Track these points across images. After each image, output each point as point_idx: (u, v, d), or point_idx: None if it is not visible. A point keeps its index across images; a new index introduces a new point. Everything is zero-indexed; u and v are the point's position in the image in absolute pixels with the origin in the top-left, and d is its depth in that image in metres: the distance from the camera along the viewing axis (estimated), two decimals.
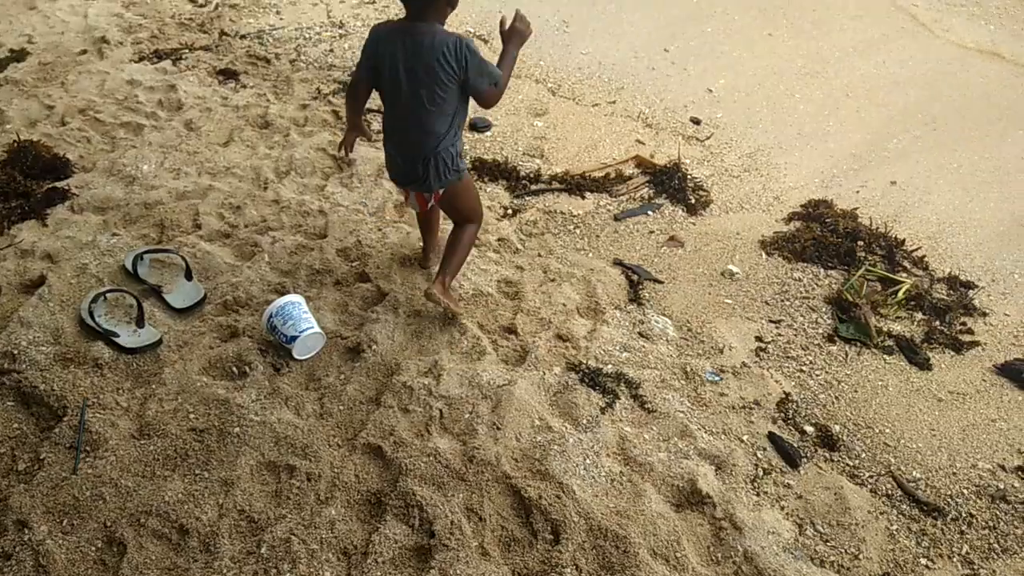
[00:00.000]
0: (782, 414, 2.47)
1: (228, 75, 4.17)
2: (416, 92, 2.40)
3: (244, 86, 4.10)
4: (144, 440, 2.18)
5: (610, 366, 2.55)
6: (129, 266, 2.80)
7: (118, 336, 2.49)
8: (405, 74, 2.39)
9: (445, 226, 2.94)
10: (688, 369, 2.58)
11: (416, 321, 2.67)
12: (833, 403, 2.52)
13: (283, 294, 2.68)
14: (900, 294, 2.95)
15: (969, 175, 3.70)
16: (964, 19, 4.84)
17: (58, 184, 3.25)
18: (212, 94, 3.99)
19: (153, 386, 2.35)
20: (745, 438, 2.35)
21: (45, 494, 2.03)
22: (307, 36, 4.58)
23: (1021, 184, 3.64)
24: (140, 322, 2.55)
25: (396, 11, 4.87)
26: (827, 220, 3.33)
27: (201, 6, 4.78)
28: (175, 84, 4.00)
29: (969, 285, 3.06)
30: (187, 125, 3.73)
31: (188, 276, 2.78)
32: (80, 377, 2.35)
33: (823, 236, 3.23)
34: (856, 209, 3.43)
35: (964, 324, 2.87)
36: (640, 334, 2.76)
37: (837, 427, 2.43)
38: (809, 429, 2.42)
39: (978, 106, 4.16)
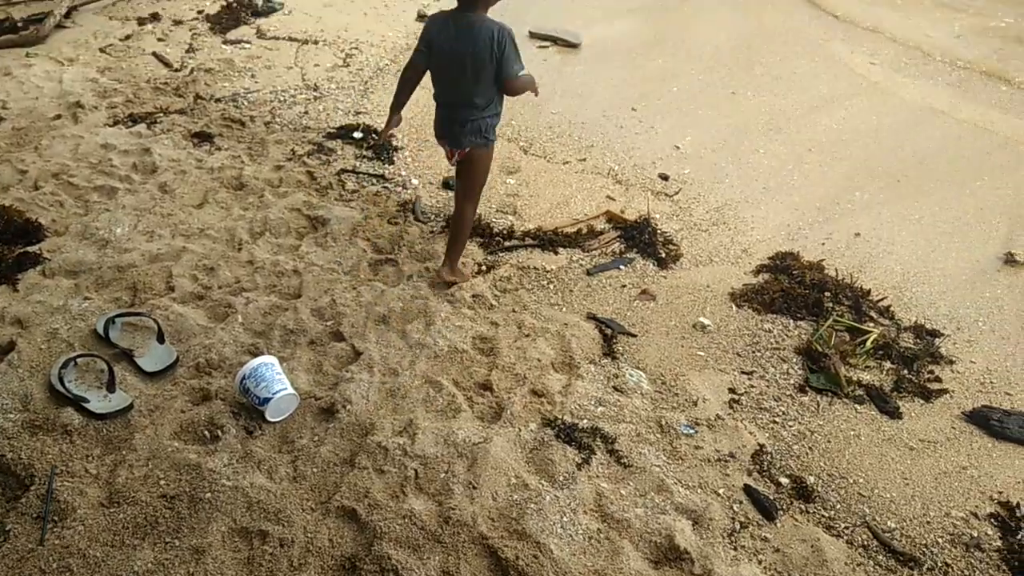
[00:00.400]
0: (757, 466, 2.48)
1: (203, 138, 4.21)
2: (463, 68, 2.91)
3: (219, 148, 4.14)
4: (113, 508, 2.14)
5: (585, 421, 2.56)
6: (101, 330, 2.78)
7: (88, 401, 2.46)
8: (456, 54, 2.89)
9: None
10: (663, 422, 2.59)
11: (391, 379, 2.67)
12: (807, 454, 2.54)
13: (256, 355, 2.67)
14: (868, 343, 3.00)
15: (930, 226, 3.81)
16: (918, 80, 5.03)
17: (30, 249, 3.23)
18: (187, 157, 4.02)
19: (123, 452, 2.32)
20: (721, 491, 2.35)
21: (10, 567, 1.97)
22: (282, 99, 4.65)
23: (979, 234, 3.75)
24: (111, 387, 2.52)
25: (369, 75, 4.97)
26: (794, 272, 3.40)
27: (176, 71, 4.85)
28: (149, 147, 4.03)
29: (935, 333, 3.12)
30: (161, 188, 3.75)
31: (160, 339, 2.76)
32: (49, 444, 2.31)
33: (791, 288, 3.29)
34: (822, 261, 3.50)
35: (932, 372, 2.93)
36: (615, 388, 2.77)
37: (812, 478, 2.45)
38: (784, 481, 2.44)
39: (935, 160, 4.31)
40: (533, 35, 5.56)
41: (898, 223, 3.82)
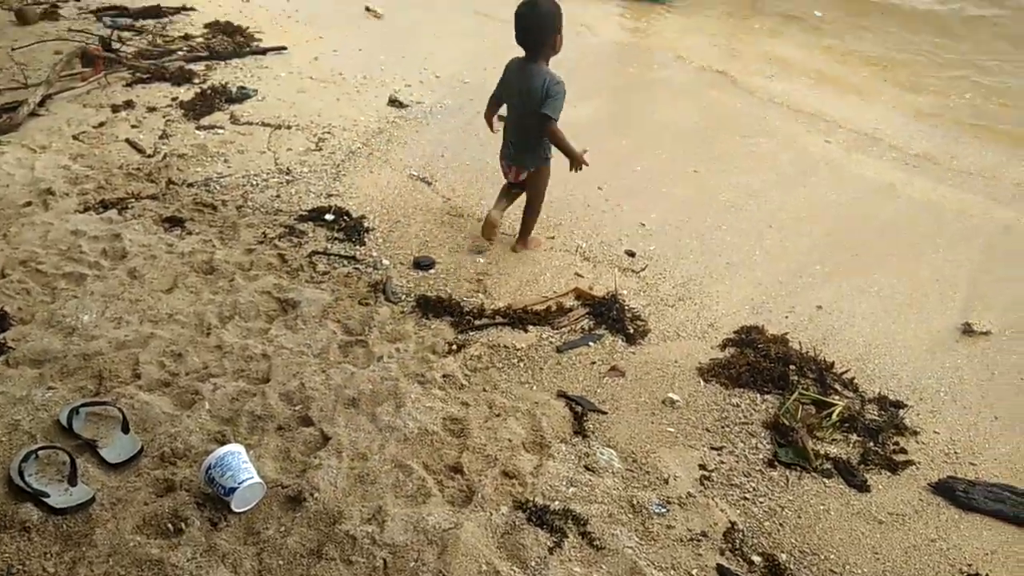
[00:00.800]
0: (729, 544, 2.47)
1: (174, 222, 4.24)
2: (524, 103, 3.73)
3: (190, 233, 4.17)
4: None
5: (557, 502, 2.55)
6: (64, 420, 2.74)
7: (48, 496, 2.40)
8: (520, 91, 3.75)
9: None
10: (635, 502, 2.59)
11: (360, 464, 2.65)
12: (778, 530, 2.54)
13: (223, 443, 2.64)
14: (834, 416, 3.05)
15: (889, 298, 3.91)
16: (872, 158, 5.24)
17: None
18: (157, 242, 4.04)
19: (83, 548, 2.26)
20: (694, 572, 2.34)
21: None
22: (254, 183, 4.71)
23: (937, 305, 3.86)
24: (72, 480, 2.47)
25: (341, 158, 5.08)
26: (759, 345, 3.46)
27: (149, 156, 4.91)
28: (120, 233, 4.05)
29: (899, 404, 3.18)
30: (131, 273, 3.75)
31: (125, 429, 2.73)
32: (6, 543, 2.25)
33: (757, 361, 3.35)
34: (786, 334, 3.57)
35: (897, 444, 2.97)
36: (586, 467, 2.77)
37: (784, 555, 2.44)
38: (757, 559, 2.43)
39: (892, 234, 4.45)
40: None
41: (858, 295, 3.93)
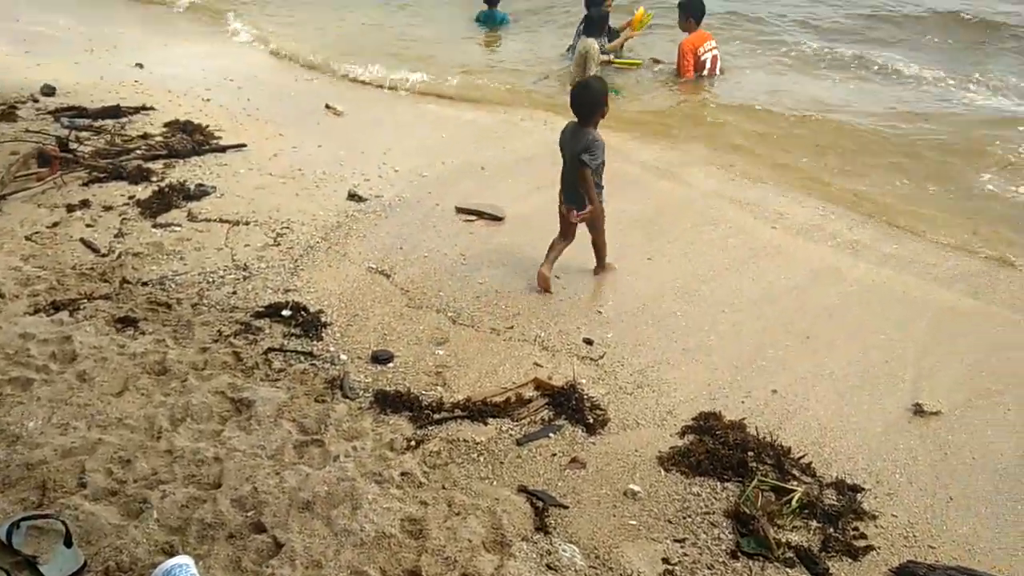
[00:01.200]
0: None
1: (127, 323, 4.18)
2: (572, 161, 4.54)
3: (143, 333, 4.12)
4: None
5: None
6: (3, 536, 2.62)
7: None
8: (572, 150, 4.53)
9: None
10: None
11: (315, 573, 2.57)
12: None
13: (171, 555, 2.55)
14: (793, 503, 3.05)
15: (841, 380, 3.99)
16: (817, 243, 5.41)
17: None
18: (109, 343, 3.98)
19: None
20: None
21: None
22: (210, 280, 4.70)
23: (886, 385, 3.94)
24: None
25: (299, 252, 5.10)
26: (718, 432, 3.48)
27: (103, 256, 4.88)
28: (70, 335, 3.98)
29: (856, 488, 3.20)
30: (80, 377, 3.67)
31: (68, 542, 2.62)
32: None
33: (716, 448, 3.36)
34: (743, 419, 3.61)
35: (856, 529, 2.97)
36: (548, 566, 2.73)
37: None
38: None
39: (841, 316, 4.57)
40: (460, 210, 5.82)
41: (812, 379, 3.99)
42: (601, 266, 5.01)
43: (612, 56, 8.71)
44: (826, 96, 8.26)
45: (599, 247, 4.95)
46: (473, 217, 5.72)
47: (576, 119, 4.57)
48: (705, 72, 8.58)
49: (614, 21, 9.10)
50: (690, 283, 4.90)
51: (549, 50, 9.91)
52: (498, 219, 5.71)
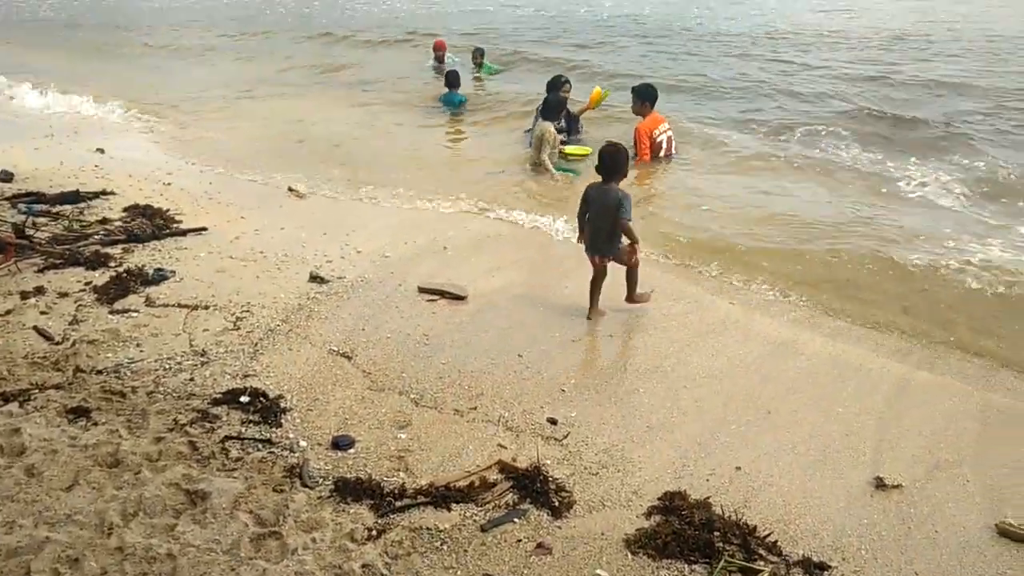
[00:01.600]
0: None
1: (79, 413, 4.07)
2: (603, 216, 5.19)
3: (96, 423, 4.00)
4: None
5: None
6: None
7: None
8: (602, 206, 5.18)
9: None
10: None
11: None
12: None
13: None
14: None
15: (804, 455, 4.01)
16: (773, 317, 5.53)
17: None
18: (60, 435, 3.85)
19: None
20: None
21: None
22: (167, 366, 4.61)
23: (847, 459, 3.97)
24: None
25: (259, 336, 5.05)
26: (683, 512, 3.46)
27: (57, 344, 4.77)
28: (20, 427, 3.85)
29: (823, 566, 3.18)
30: (28, 471, 3.54)
31: None
32: None
33: (682, 529, 3.33)
34: (708, 498, 3.59)
35: None
36: None
37: None
38: None
39: (800, 390, 4.63)
40: (422, 290, 5.84)
41: (775, 454, 4.01)
42: (631, 295, 5.50)
43: (563, 148, 8.95)
44: (768, 188, 8.52)
45: (631, 277, 5.46)
46: (435, 296, 5.74)
47: (601, 179, 5.26)
48: (661, 153, 8.85)
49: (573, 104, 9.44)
50: (651, 359, 4.94)
51: (506, 135, 10.21)
52: (460, 298, 5.74)
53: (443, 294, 5.78)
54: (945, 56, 13.41)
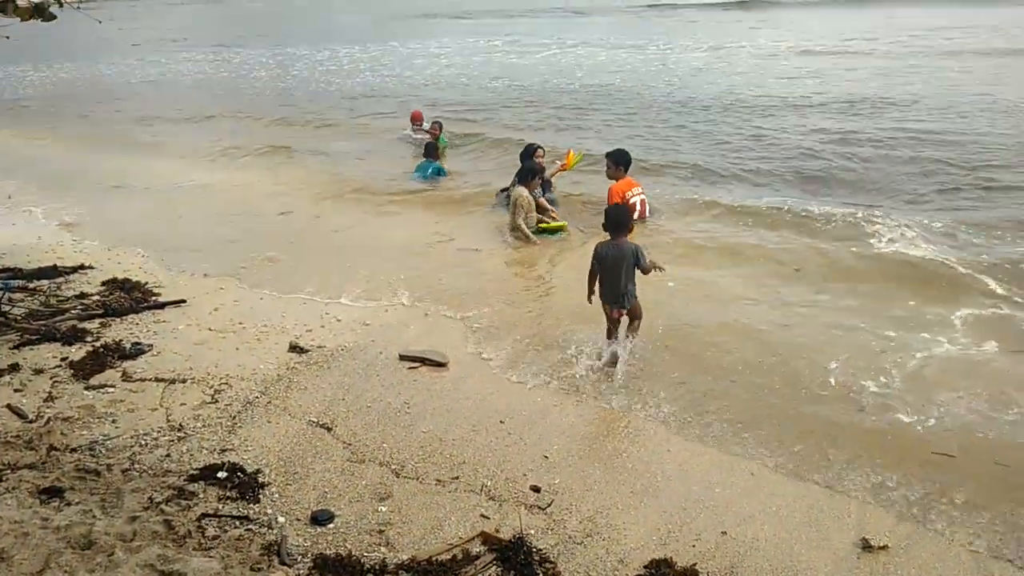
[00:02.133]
0: None
1: (52, 493, 3.97)
2: (619, 268, 5.52)
3: (69, 503, 3.90)
4: None
5: None
6: None
7: None
8: (617, 260, 5.52)
9: None
10: None
11: None
12: None
13: None
14: None
15: (788, 518, 3.98)
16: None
17: None
18: (31, 516, 3.75)
19: None
20: None
21: None
22: (143, 443, 4.54)
23: (831, 520, 3.96)
24: None
25: (237, 409, 4.99)
26: None
27: (31, 422, 4.69)
28: None
29: None
30: None
31: None
32: None
33: None
34: (695, 565, 3.55)
35: None
36: None
37: None
38: None
39: None
40: (403, 357, 5.83)
41: (759, 516, 3.98)
42: (634, 331, 5.87)
43: (539, 223, 9.03)
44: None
45: (637, 321, 5.87)
46: (416, 364, 5.73)
47: (611, 236, 5.63)
48: (636, 215, 9.02)
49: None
50: (633, 420, 4.92)
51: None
52: (441, 364, 5.73)
53: (424, 361, 5.77)
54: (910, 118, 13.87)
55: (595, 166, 10.49)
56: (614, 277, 5.57)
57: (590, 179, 10.53)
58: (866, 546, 3.71)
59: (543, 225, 8.87)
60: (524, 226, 8.64)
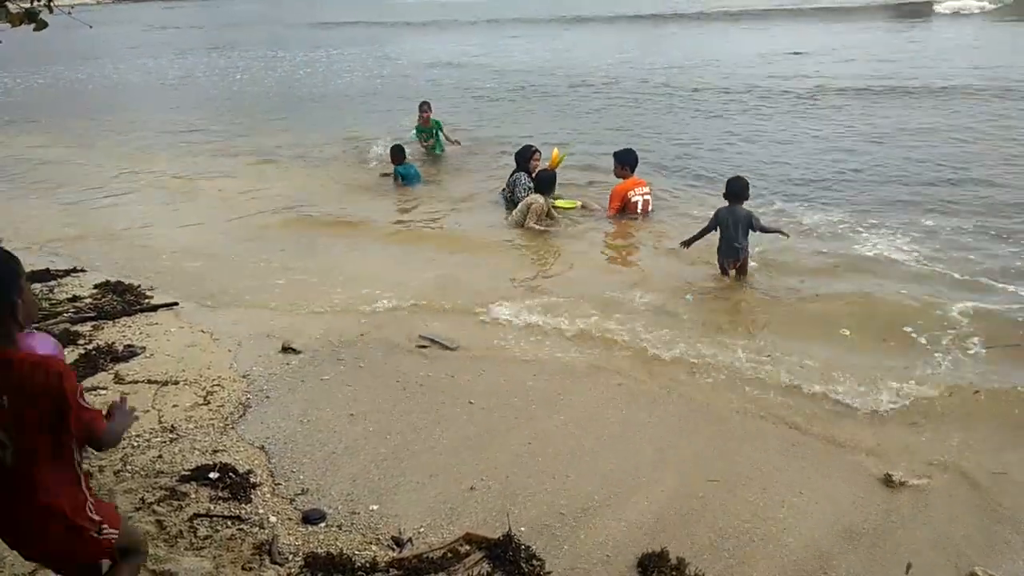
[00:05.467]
0: None
1: None
2: (737, 228, 6.96)
3: None
4: None
5: None
6: None
7: None
8: (732, 221, 6.97)
9: None
10: None
11: None
12: None
13: None
14: None
15: None
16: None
17: None
18: None
19: None
20: None
21: None
22: (135, 444, 4.56)
23: None
24: None
25: (230, 410, 5.01)
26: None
27: None
28: None
29: None
30: None
31: None
32: None
33: None
34: (684, 559, 3.58)
35: None
36: None
37: None
38: None
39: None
40: (422, 337, 5.99)
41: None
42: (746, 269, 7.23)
43: (554, 202, 9.24)
44: None
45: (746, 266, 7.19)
46: (427, 344, 5.87)
47: (729, 202, 7.05)
48: (639, 211, 9.09)
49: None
50: (610, 427, 4.96)
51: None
52: (450, 349, 5.84)
53: (434, 342, 5.96)
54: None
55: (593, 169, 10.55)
56: (731, 234, 6.96)
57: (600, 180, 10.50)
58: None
59: (559, 203, 8.99)
60: (536, 227, 8.70)
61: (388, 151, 11.27)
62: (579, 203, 9.59)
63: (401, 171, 10.93)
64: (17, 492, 2.46)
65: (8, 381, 2.37)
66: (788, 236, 7.30)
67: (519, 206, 8.95)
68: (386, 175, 11.34)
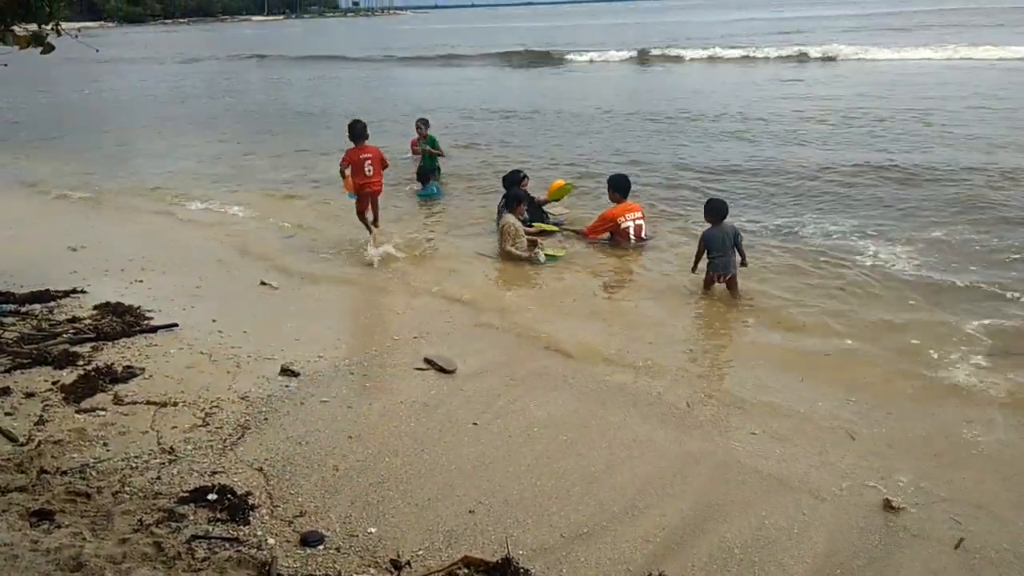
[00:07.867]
0: None
1: (42, 516, 3.98)
2: (727, 242, 7.38)
3: (59, 526, 3.92)
4: None
5: None
6: None
7: None
8: (725, 237, 7.40)
9: None
10: None
11: None
12: None
13: None
14: None
15: None
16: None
17: None
18: (21, 539, 3.76)
19: None
20: None
21: None
22: (134, 465, 4.56)
23: None
24: None
25: (228, 431, 5.02)
26: None
27: (22, 445, 4.70)
28: None
29: None
30: None
31: None
32: None
33: None
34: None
35: None
36: None
37: None
38: None
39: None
40: (426, 360, 5.96)
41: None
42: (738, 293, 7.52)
43: (542, 250, 9.21)
44: None
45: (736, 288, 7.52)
46: (427, 367, 5.88)
47: (714, 222, 7.50)
48: (631, 236, 9.14)
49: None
50: (612, 423, 4.97)
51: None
52: (448, 372, 5.85)
53: (433, 365, 5.93)
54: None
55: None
56: (721, 251, 7.38)
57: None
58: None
59: (549, 252, 8.89)
60: (515, 250, 8.75)
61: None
62: (563, 253, 9.33)
63: (424, 194, 12.13)
64: None
65: None
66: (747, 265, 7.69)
67: (497, 234, 9.10)
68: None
